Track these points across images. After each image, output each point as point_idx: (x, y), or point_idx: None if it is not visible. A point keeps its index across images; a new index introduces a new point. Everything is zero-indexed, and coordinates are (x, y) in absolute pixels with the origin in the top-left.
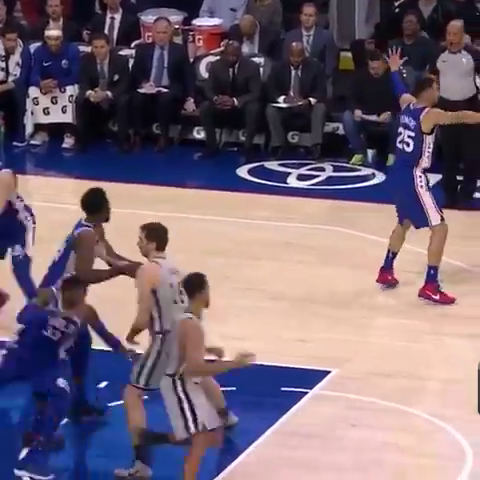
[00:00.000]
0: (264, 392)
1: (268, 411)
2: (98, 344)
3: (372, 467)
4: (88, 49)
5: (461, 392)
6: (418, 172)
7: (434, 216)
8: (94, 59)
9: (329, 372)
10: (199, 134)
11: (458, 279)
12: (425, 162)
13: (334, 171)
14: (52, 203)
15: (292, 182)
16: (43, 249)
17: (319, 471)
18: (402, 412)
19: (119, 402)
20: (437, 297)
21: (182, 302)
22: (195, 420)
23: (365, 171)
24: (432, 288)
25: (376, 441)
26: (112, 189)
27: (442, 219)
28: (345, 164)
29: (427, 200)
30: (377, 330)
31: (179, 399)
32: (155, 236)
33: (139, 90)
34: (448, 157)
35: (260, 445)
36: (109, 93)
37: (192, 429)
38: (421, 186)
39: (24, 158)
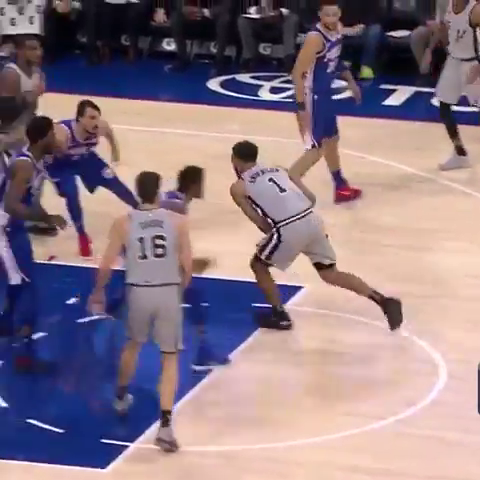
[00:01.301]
0: (236, 308)
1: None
2: None
3: (337, 381)
4: None
5: (433, 306)
6: None
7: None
8: None
9: (301, 287)
10: (169, 46)
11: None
12: None
13: None
14: None
15: (264, 95)
16: None
17: (287, 387)
18: (374, 327)
19: None
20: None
21: (157, 256)
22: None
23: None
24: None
25: (349, 356)
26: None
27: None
28: None
29: None
30: (352, 244)
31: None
32: (138, 187)
33: (107, 0)
34: None
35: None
36: (77, 3)
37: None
38: None
39: None
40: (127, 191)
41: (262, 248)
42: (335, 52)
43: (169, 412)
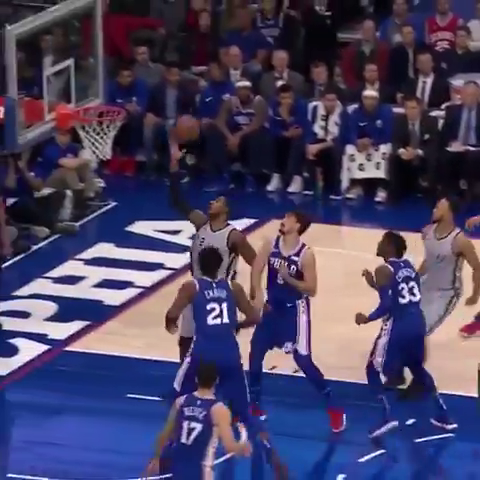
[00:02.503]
0: None
1: None
2: None
3: None
4: (401, 110)
5: None
6: None
7: None
8: (406, 119)
9: None
10: None
11: None
12: None
13: None
14: (365, 252)
15: None
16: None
17: None
18: None
19: None
20: None
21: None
22: None
23: None
24: None
25: None
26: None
27: None
28: None
29: None
30: None
31: None
32: None
33: (448, 149)
34: None
35: None
36: (420, 151)
37: None
38: None
39: (340, 210)
40: None
41: None
42: None
43: None
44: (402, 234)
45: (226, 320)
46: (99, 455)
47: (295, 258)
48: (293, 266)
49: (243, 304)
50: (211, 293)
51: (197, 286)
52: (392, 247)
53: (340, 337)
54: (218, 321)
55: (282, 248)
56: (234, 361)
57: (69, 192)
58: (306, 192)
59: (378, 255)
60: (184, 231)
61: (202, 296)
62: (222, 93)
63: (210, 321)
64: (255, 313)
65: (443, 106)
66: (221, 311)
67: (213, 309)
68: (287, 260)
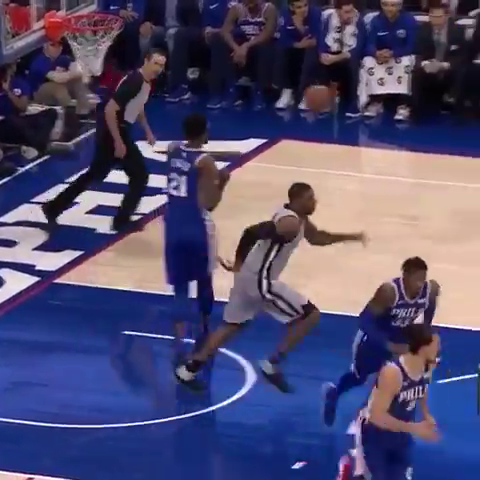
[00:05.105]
0: None
1: None
2: None
3: None
4: (426, 18)
5: None
6: None
7: None
8: (431, 28)
9: None
10: None
11: None
12: None
13: None
14: (384, 175)
15: None
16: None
17: None
18: None
19: None
20: None
21: None
22: None
23: None
24: None
25: None
26: (446, 162)
27: None
28: None
29: None
30: None
31: None
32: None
33: (477, 61)
34: None
35: None
36: (446, 64)
37: None
38: None
39: (357, 129)
40: None
41: None
42: None
43: None
44: (423, 155)
45: (184, 194)
46: (91, 397)
47: None
48: None
49: (203, 183)
50: (177, 163)
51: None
52: None
53: (351, 269)
54: (176, 193)
55: None
56: (198, 237)
57: (60, 109)
58: None
59: None
60: None
61: (168, 162)
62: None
63: (171, 191)
64: (211, 198)
65: (472, 13)
66: (179, 184)
67: (173, 179)
68: None
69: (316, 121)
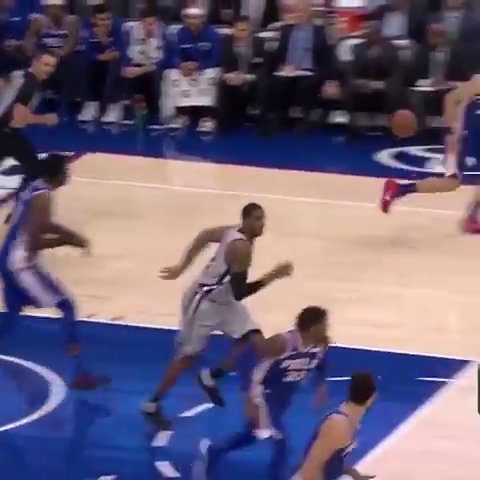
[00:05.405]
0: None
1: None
2: None
3: None
4: (228, 31)
5: None
6: None
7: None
8: (234, 41)
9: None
10: (340, 118)
11: None
12: None
13: None
14: (191, 187)
15: (435, 168)
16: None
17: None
18: None
19: None
20: None
21: None
22: None
23: None
24: None
25: None
26: (251, 174)
27: None
28: None
29: None
30: None
31: None
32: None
33: (279, 73)
34: None
35: (398, 436)
36: (249, 76)
37: None
38: None
39: (162, 141)
40: None
41: None
42: None
43: None
44: (229, 167)
45: (15, 222)
46: None
47: None
48: None
49: (31, 218)
50: (24, 194)
51: None
52: None
53: None
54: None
55: None
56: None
57: None
58: (125, 122)
59: None
60: None
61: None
62: (30, 12)
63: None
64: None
65: (271, 26)
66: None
67: (14, 208)
68: None
69: (121, 134)
